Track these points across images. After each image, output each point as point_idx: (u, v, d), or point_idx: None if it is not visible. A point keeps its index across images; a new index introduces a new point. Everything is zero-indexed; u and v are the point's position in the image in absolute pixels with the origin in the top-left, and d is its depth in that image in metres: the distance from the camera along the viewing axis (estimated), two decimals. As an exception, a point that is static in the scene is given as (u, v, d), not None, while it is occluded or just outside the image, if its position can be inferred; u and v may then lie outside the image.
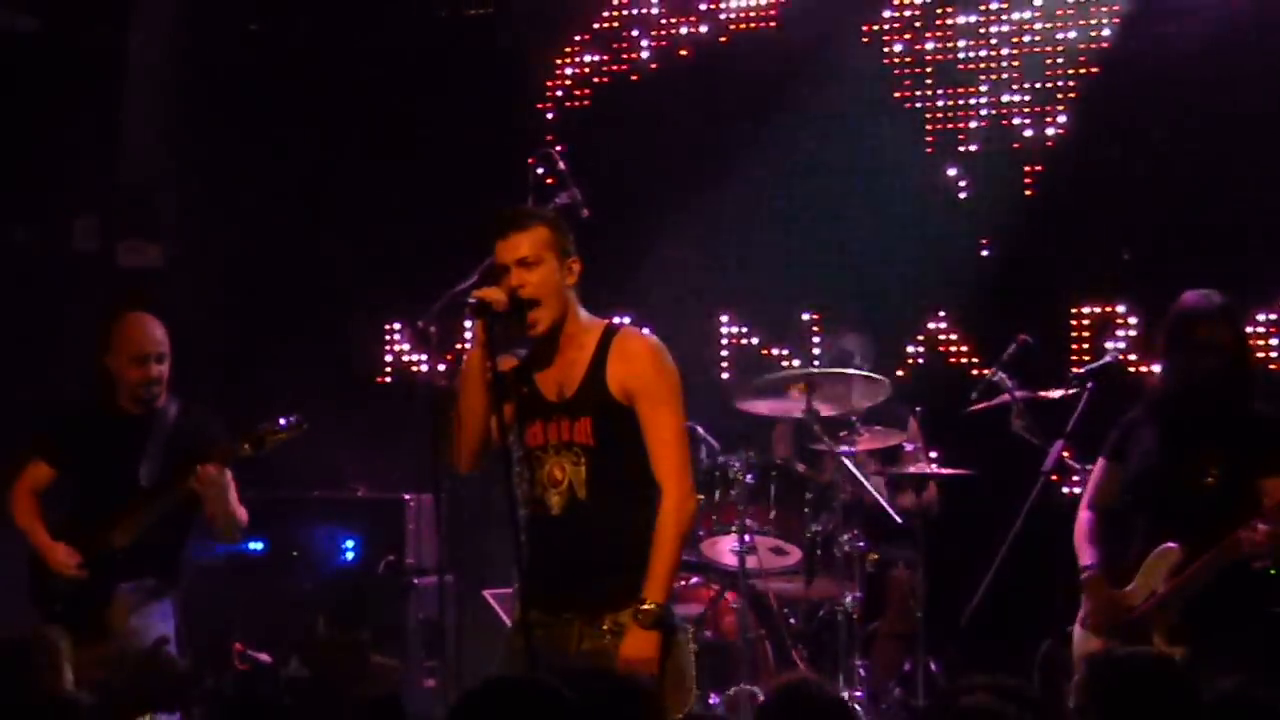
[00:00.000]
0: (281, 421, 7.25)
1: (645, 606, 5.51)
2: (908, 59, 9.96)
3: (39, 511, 7.51)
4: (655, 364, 5.66)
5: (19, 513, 7.53)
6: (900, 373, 9.72)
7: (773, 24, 10.22)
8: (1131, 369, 9.00)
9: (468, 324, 9.64)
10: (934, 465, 9.00)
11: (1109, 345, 8.61)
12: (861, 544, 8.59)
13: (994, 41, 9.81)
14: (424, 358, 10.41)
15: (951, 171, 9.85)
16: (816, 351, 9.84)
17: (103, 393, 7.55)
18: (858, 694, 8.40)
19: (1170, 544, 6.49)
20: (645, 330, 6.15)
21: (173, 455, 7.37)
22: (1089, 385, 7.37)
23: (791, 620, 8.88)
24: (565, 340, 5.70)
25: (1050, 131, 9.67)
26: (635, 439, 5.62)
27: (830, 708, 4.33)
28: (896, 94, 9.96)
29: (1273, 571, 6.75)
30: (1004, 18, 9.79)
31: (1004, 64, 9.79)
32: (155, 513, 7.28)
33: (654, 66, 10.43)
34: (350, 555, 9.54)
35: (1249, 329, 9.11)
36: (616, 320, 5.90)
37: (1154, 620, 6.51)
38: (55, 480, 7.56)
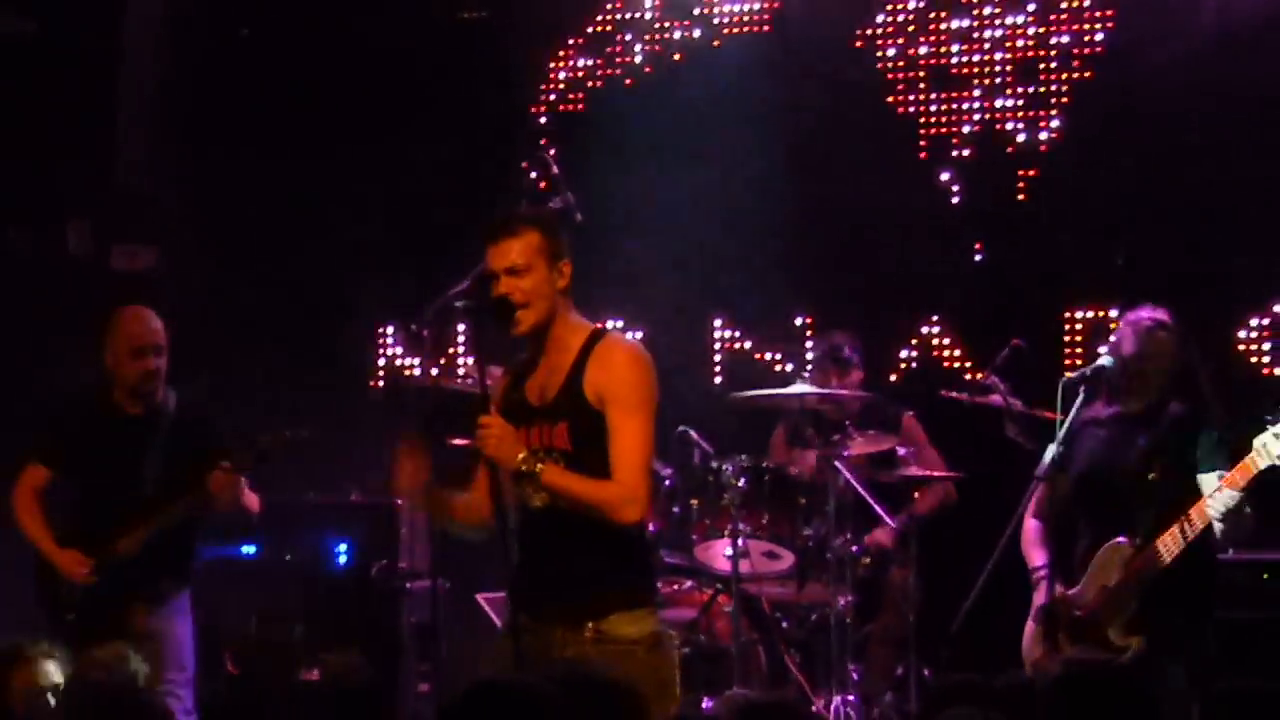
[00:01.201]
0: (287, 433, 7.28)
1: (540, 465, 5.52)
2: (900, 63, 9.97)
3: (43, 515, 7.43)
4: (630, 371, 5.60)
5: (23, 517, 7.44)
6: (894, 377, 9.74)
7: (766, 28, 10.23)
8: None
9: (459, 327, 9.75)
10: (929, 470, 9.00)
11: (1102, 350, 8.64)
12: (854, 548, 8.60)
13: (987, 46, 9.82)
14: (416, 361, 10.42)
15: (944, 176, 9.85)
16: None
17: (101, 391, 7.51)
18: (850, 698, 8.41)
19: (1120, 539, 6.59)
20: (630, 337, 6.14)
21: (175, 457, 7.33)
22: (1081, 390, 7.38)
23: (784, 625, 8.87)
24: (552, 344, 5.69)
25: (1043, 136, 9.68)
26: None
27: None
28: (889, 99, 9.96)
29: (1265, 576, 6.84)
30: (997, 22, 9.80)
31: (997, 68, 9.80)
32: (163, 524, 7.24)
33: (647, 70, 10.43)
34: (343, 559, 9.54)
35: (1241, 333, 9.19)
36: (605, 326, 5.88)
37: (1108, 614, 6.58)
38: (55, 481, 7.49)
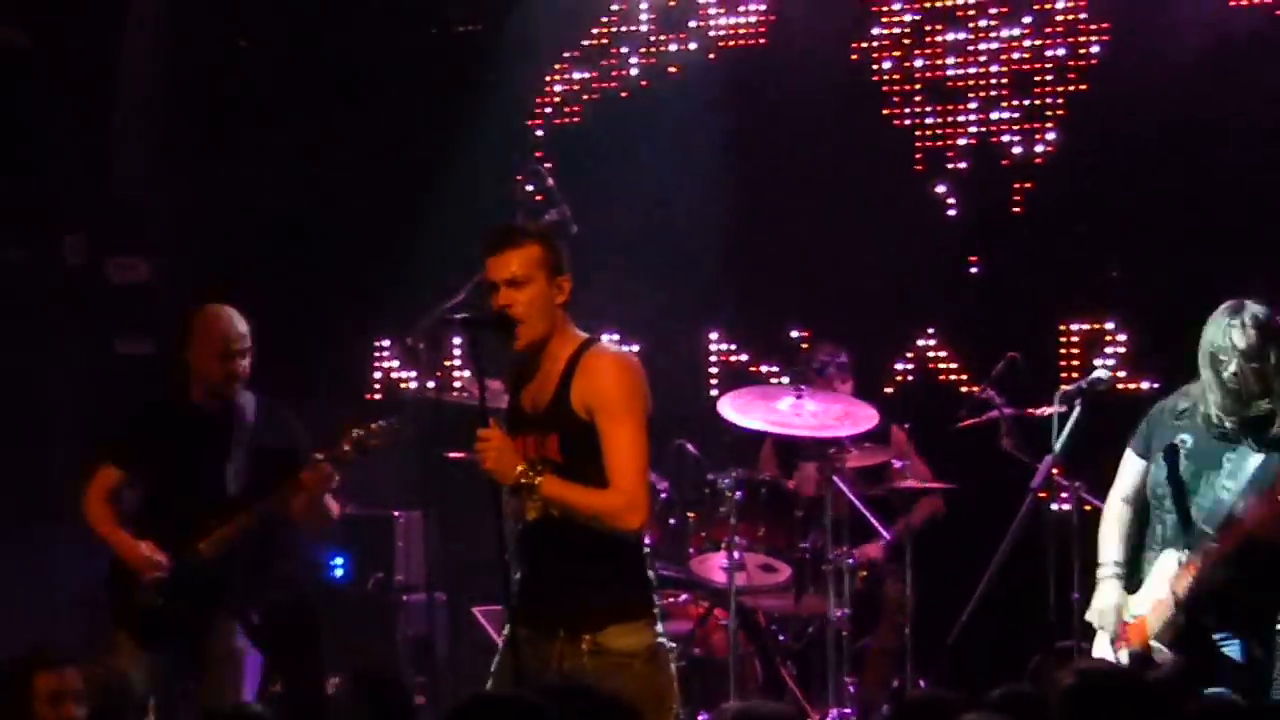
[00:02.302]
0: (382, 423, 7.13)
1: (539, 478, 5.51)
2: (896, 76, 9.98)
3: (117, 516, 7.15)
4: (616, 380, 5.58)
5: (96, 520, 7.14)
6: (889, 389, 9.74)
7: (762, 41, 10.24)
8: (1120, 386, 9.00)
9: (455, 340, 9.74)
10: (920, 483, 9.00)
11: (1098, 362, 8.64)
12: (850, 561, 8.60)
13: (983, 59, 9.83)
14: (413, 374, 10.40)
15: (940, 189, 9.87)
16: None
17: (178, 390, 7.27)
18: (847, 711, 8.40)
19: (1172, 552, 6.46)
20: (619, 347, 6.11)
21: (259, 456, 7.12)
22: (1078, 402, 7.37)
23: (780, 637, 8.88)
24: (547, 356, 5.67)
25: (1039, 149, 9.69)
26: (601, 457, 5.57)
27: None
28: (885, 111, 9.97)
29: None
30: (993, 35, 9.81)
31: (993, 81, 9.81)
32: (247, 525, 6.99)
33: (643, 84, 10.44)
34: (339, 572, 9.52)
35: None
36: (598, 337, 5.86)
37: (1157, 627, 6.49)
38: (127, 484, 7.24)
